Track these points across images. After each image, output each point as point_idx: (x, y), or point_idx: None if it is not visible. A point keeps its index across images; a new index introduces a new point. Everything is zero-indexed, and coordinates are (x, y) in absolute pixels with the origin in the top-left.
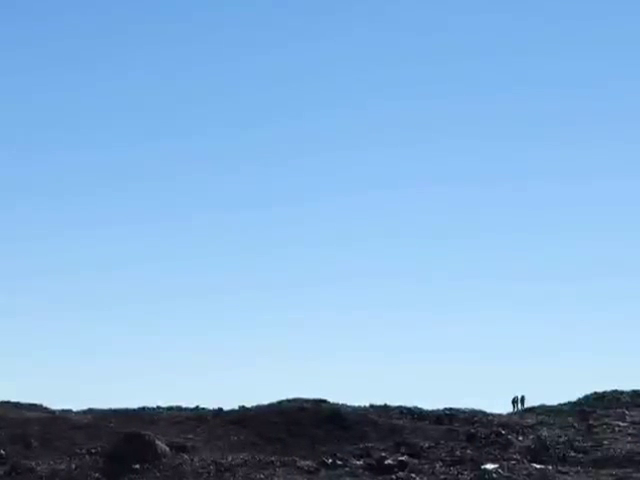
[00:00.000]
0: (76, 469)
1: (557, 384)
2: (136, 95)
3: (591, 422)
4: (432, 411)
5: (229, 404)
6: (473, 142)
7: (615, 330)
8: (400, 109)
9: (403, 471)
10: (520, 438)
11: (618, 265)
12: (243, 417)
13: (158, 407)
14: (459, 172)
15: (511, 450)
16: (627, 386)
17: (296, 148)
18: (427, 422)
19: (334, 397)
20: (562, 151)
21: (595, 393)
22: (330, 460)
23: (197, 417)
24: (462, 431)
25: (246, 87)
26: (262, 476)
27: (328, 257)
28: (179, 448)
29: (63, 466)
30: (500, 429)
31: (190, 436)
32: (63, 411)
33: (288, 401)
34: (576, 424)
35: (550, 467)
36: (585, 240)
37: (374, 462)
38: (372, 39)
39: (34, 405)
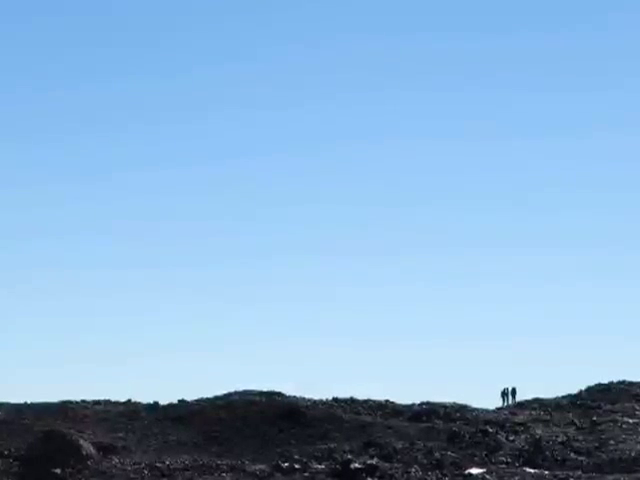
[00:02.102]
0: None
1: (554, 374)
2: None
3: (595, 419)
4: (407, 406)
5: (166, 397)
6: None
7: (622, 311)
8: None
9: (373, 476)
10: (511, 438)
11: (626, 237)
12: (183, 413)
13: (83, 401)
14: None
15: (500, 452)
16: (637, 376)
17: None
18: (401, 419)
19: (290, 389)
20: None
21: (599, 384)
22: (286, 464)
23: (129, 413)
24: (442, 429)
25: None
26: None
27: (285, 231)
28: (108, 449)
29: None
30: (487, 427)
31: (121, 435)
32: None
33: (236, 394)
34: (577, 421)
35: (546, 472)
36: (584, 207)
37: (338, 466)
38: None
39: None
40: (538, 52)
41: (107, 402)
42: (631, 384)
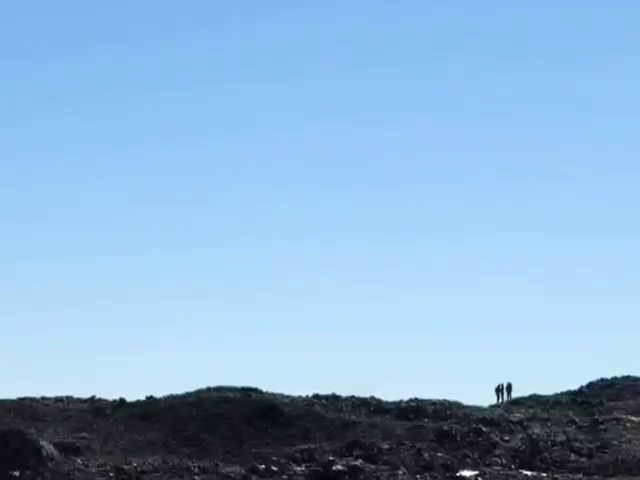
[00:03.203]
0: None
1: (553, 368)
2: None
3: (597, 417)
4: (394, 403)
5: (134, 394)
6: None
7: (626, 301)
8: None
9: (356, 479)
10: (506, 437)
11: (627, 223)
12: (152, 410)
13: (43, 398)
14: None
15: (494, 453)
16: None
17: None
18: (387, 417)
19: (267, 385)
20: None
21: (602, 380)
22: (263, 466)
23: (93, 410)
24: (432, 428)
25: None
26: None
27: (259, 217)
28: (70, 450)
29: None
30: (480, 426)
31: (84, 434)
32: None
33: (209, 390)
34: (577, 419)
35: (544, 474)
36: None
37: (319, 468)
38: None
39: None
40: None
41: (69, 399)
42: (636, 380)
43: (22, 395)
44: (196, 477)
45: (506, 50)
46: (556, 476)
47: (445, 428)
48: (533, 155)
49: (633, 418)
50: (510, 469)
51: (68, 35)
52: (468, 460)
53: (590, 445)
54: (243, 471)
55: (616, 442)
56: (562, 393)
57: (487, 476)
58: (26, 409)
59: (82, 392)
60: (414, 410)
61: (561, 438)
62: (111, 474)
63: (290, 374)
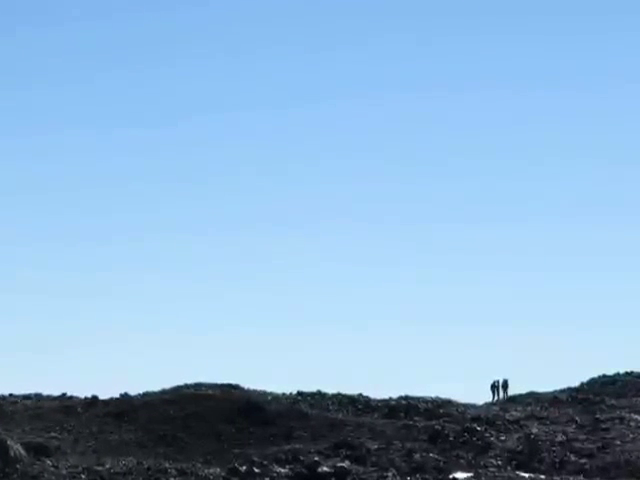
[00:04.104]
0: None
1: (551, 364)
2: None
3: (598, 415)
4: (383, 400)
5: (107, 391)
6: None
7: (629, 293)
8: None
9: None
10: (502, 437)
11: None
12: (126, 408)
13: (11, 395)
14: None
15: (490, 454)
16: None
17: None
18: (376, 415)
19: (249, 382)
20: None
21: (603, 376)
22: (244, 467)
23: (64, 408)
24: (423, 428)
25: None
26: None
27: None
28: (40, 450)
29: None
30: (475, 425)
31: (54, 434)
32: None
33: (187, 387)
34: (578, 418)
35: (542, 477)
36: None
37: (304, 469)
38: None
39: None
40: None
41: (39, 396)
42: (639, 376)
43: None
44: (173, 479)
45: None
46: (555, 478)
47: (437, 427)
48: (533, 139)
49: (636, 417)
50: (506, 471)
51: (24, 15)
52: (462, 461)
53: (591, 445)
54: (223, 473)
55: (619, 442)
56: (561, 390)
57: (482, 478)
58: None
59: (52, 389)
60: (405, 408)
61: (560, 438)
62: (83, 476)
63: (273, 370)
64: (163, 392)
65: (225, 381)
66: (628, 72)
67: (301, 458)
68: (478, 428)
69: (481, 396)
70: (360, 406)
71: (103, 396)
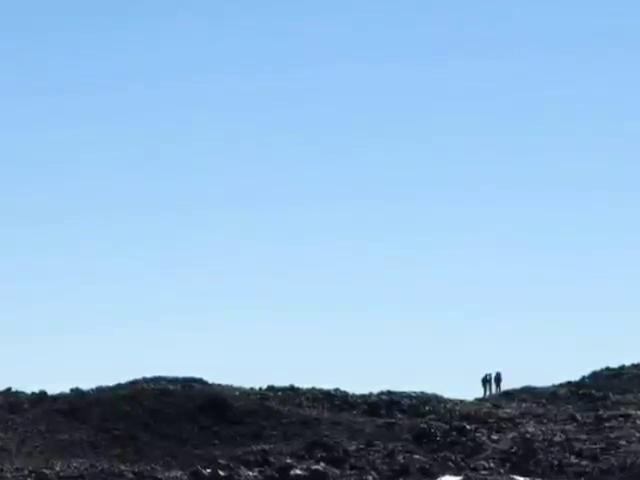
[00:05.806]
0: None
1: (549, 356)
2: None
3: (601, 412)
4: (362, 396)
5: (56, 386)
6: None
7: (634, 279)
8: None
9: None
10: (494, 437)
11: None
12: (77, 405)
13: None
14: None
15: (481, 455)
16: None
17: None
18: (355, 412)
19: (213, 376)
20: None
21: (607, 369)
22: (208, 470)
23: (9, 405)
24: (407, 426)
25: None
26: None
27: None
28: None
29: None
30: (464, 423)
31: None
32: None
33: (145, 381)
34: (578, 415)
35: None
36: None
37: (275, 472)
38: None
39: None
40: None
41: None
42: None
43: None
44: None
45: None
46: None
47: (423, 426)
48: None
49: None
50: (499, 474)
51: None
52: (450, 463)
53: (593, 446)
54: (185, 476)
55: (624, 443)
56: (560, 385)
57: None
58: None
59: None
60: (386, 405)
61: (559, 438)
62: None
63: (240, 362)
64: (118, 387)
65: (187, 375)
66: None
67: (271, 460)
68: (468, 427)
69: (471, 391)
70: (337, 402)
71: (52, 391)
